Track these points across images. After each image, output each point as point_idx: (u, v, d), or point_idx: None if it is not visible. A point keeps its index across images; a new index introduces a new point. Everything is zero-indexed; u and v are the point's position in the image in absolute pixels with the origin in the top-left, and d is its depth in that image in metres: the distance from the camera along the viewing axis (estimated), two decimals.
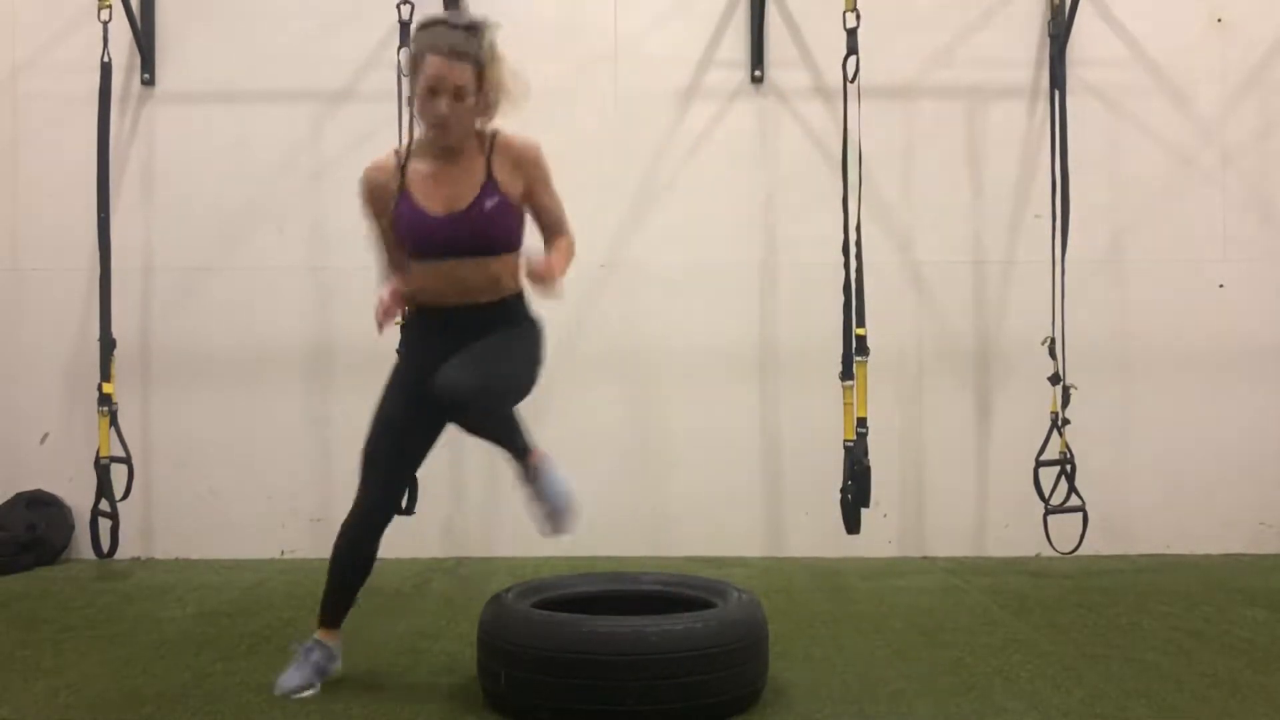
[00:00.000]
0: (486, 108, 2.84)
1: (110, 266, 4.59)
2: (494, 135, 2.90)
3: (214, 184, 4.94)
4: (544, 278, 2.78)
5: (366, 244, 4.76)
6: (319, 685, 2.97)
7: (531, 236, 2.99)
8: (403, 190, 2.89)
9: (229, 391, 4.91)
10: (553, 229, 2.99)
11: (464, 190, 2.85)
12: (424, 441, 3.04)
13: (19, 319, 4.96)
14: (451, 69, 2.75)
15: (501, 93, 2.85)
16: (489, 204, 2.84)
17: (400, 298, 2.91)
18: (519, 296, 2.95)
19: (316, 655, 3.02)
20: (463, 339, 2.85)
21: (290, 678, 2.96)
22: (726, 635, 2.76)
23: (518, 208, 2.91)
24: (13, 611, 3.95)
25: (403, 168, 2.91)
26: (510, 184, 2.88)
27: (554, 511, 2.87)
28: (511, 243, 2.91)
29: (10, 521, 4.72)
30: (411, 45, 2.88)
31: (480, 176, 2.86)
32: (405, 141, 2.95)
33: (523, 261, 2.85)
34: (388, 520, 3.06)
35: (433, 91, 2.77)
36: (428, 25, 2.85)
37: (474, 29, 2.81)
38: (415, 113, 2.88)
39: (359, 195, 2.98)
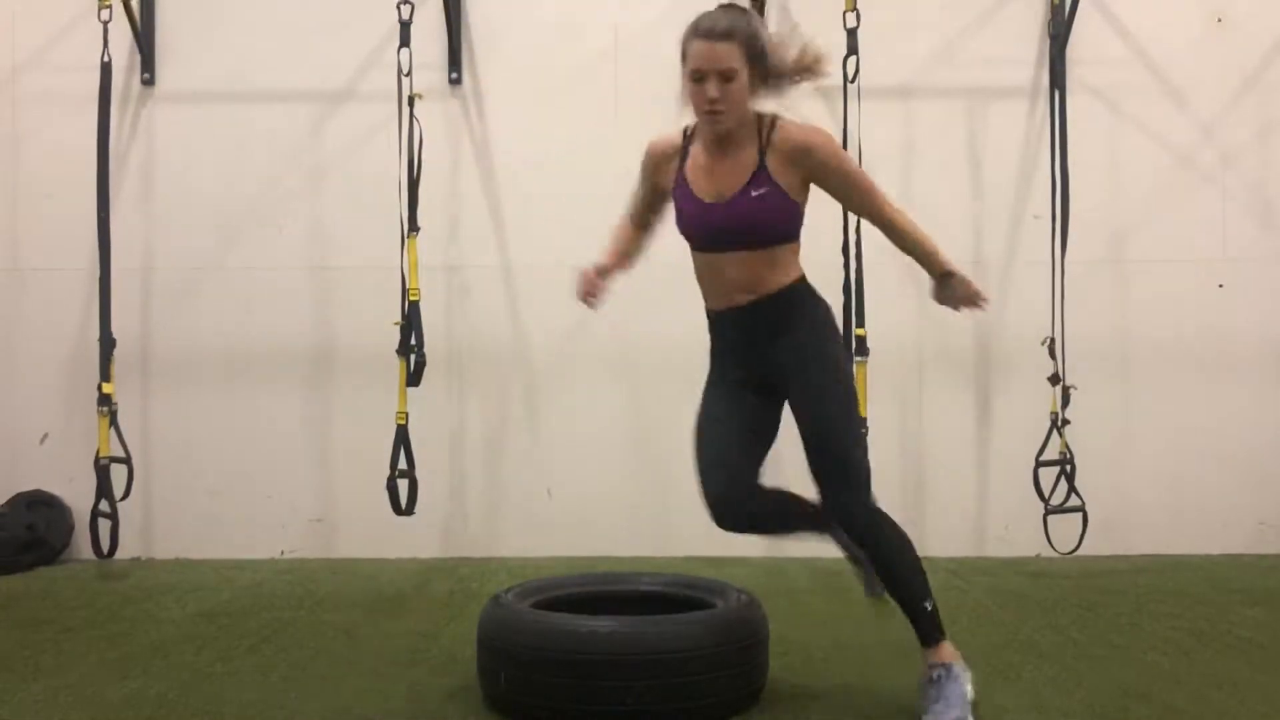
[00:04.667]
0: (763, 85, 2.71)
1: (110, 266, 4.59)
2: (773, 121, 2.74)
3: (214, 184, 4.94)
4: (971, 300, 2.84)
5: (366, 244, 4.82)
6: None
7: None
8: (680, 172, 2.81)
9: (229, 391, 4.91)
10: (877, 219, 2.85)
11: (734, 179, 2.71)
12: (755, 440, 2.89)
13: (19, 319, 4.96)
14: (715, 50, 2.63)
15: (784, 67, 2.73)
16: (755, 193, 2.69)
17: (603, 273, 2.90)
18: (792, 288, 2.78)
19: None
20: (750, 351, 2.79)
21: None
22: (726, 635, 2.76)
23: (792, 200, 2.72)
24: (13, 611, 3.95)
25: (685, 149, 2.82)
26: (785, 174, 2.70)
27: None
28: (778, 236, 2.74)
29: (10, 521, 4.72)
30: (681, 39, 2.75)
31: (752, 165, 2.71)
32: (692, 124, 2.83)
33: (947, 289, 2.88)
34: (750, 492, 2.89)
35: (699, 76, 2.66)
36: (695, 19, 2.73)
37: (742, 11, 2.72)
38: (684, 102, 2.74)
39: (641, 161, 2.92)
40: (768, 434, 2.88)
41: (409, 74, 4.43)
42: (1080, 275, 4.60)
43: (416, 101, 4.45)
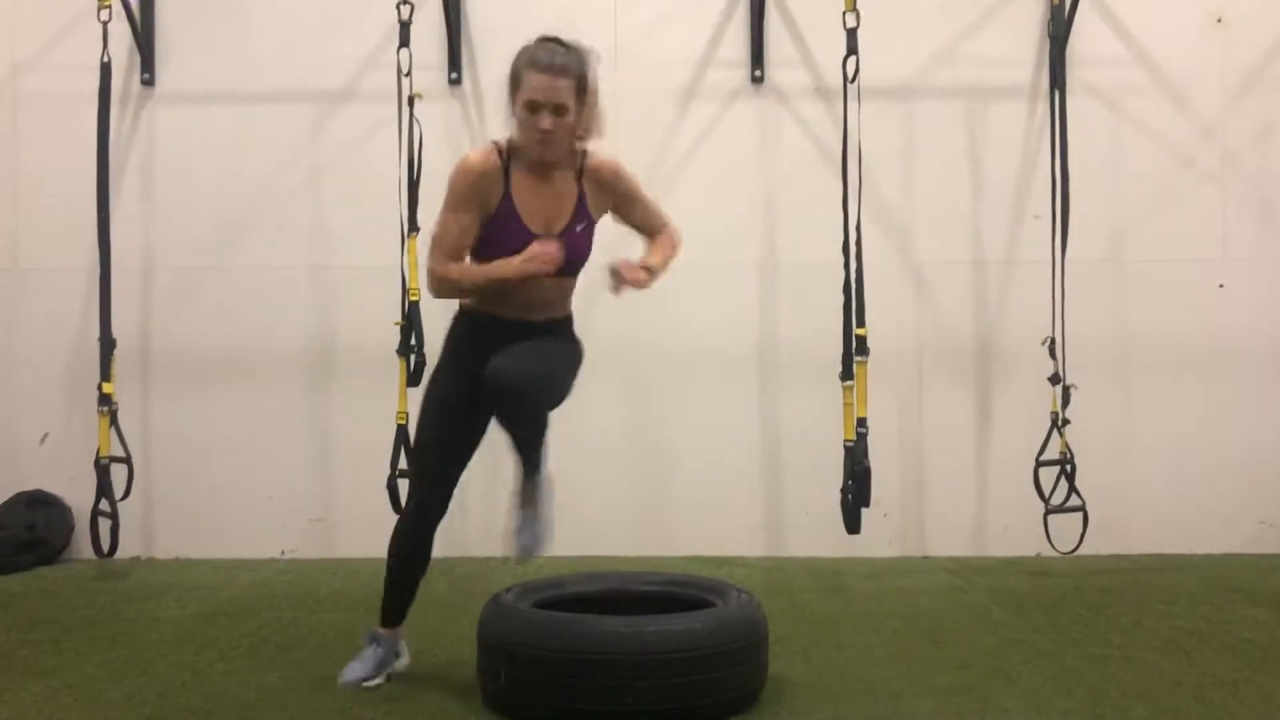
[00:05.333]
0: (585, 128, 2.88)
1: (110, 266, 4.59)
2: (584, 155, 2.94)
3: (214, 184, 4.94)
4: (632, 283, 2.85)
5: (366, 244, 4.82)
6: (382, 678, 3.04)
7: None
8: (506, 196, 2.86)
9: (229, 391, 4.91)
10: (654, 230, 3.07)
11: (560, 211, 2.89)
12: (470, 442, 3.03)
13: (19, 319, 4.96)
14: (554, 85, 2.78)
15: (595, 119, 2.90)
16: (579, 228, 2.90)
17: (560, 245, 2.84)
18: (569, 318, 3.03)
19: (381, 648, 3.08)
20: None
21: (354, 669, 3.04)
22: (726, 635, 2.76)
23: (593, 231, 2.97)
24: (13, 611, 3.95)
25: (506, 169, 2.87)
26: (597, 206, 2.95)
27: (523, 545, 2.97)
28: (583, 264, 2.95)
29: (10, 521, 4.72)
30: (513, 62, 2.85)
31: (574, 198, 2.91)
32: (504, 141, 2.90)
33: (615, 267, 2.86)
34: (439, 519, 3.05)
35: (534, 107, 2.78)
36: (532, 44, 2.86)
37: (576, 50, 2.85)
38: (515, 127, 2.85)
39: (457, 181, 2.87)
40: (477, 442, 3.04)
41: (409, 74, 4.43)
42: (1080, 275, 4.60)
43: (416, 101, 4.44)
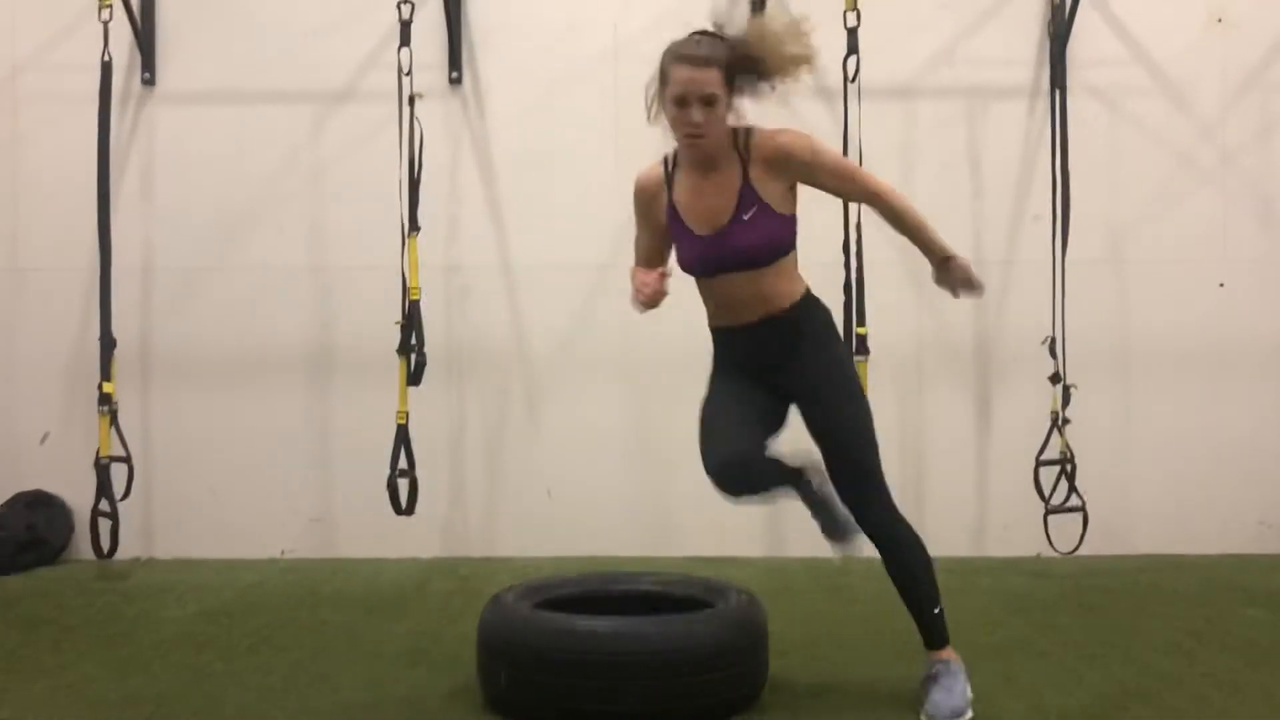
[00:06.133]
0: (740, 97, 2.74)
1: (110, 266, 4.58)
2: (748, 135, 2.76)
3: (214, 184, 4.93)
4: (969, 285, 2.80)
5: (366, 244, 4.82)
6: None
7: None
8: (671, 204, 2.82)
9: (229, 391, 4.91)
10: (870, 201, 2.90)
11: (723, 203, 2.74)
12: (759, 405, 2.86)
13: (19, 319, 4.96)
14: (697, 75, 2.67)
15: (766, 67, 2.73)
16: (747, 215, 2.73)
17: (663, 278, 2.73)
18: (798, 308, 2.83)
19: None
20: (762, 365, 2.81)
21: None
22: (726, 635, 2.76)
23: (780, 215, 2.78)
24: (13, 611, 3.95)
25: (669, 178, 2.83)
26: (770, 186, 2.76)
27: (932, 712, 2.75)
28: (777, 251, 2.79)
29: (10, 521, 4.72)
30: (659, 61, 2.76)
31: (736, 185, 2.75)
32: (672, 152, 2.85)
33: (954, 264, 2.81)
34: (754, 444, 2.82)
35: (681, 101, 2.68)
36: (679, 39, 2.77)
37: (721, 39, 2.74)
38: (667, 126, 2.76)
39: (633, 199, 2.90)
40: (775, 425, 2.90)
41: (409, 74, 4.43)
42: (1080, 275, 4.59)
43: (417, 101, 4.44)
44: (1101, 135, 4.84)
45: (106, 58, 4.58)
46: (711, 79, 2.68)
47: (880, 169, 4.64)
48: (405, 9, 4.45)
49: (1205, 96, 4.89)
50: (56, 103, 4.90)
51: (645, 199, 2.88)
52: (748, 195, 2.74)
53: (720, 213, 2.75)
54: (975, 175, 4.90)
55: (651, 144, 4.85)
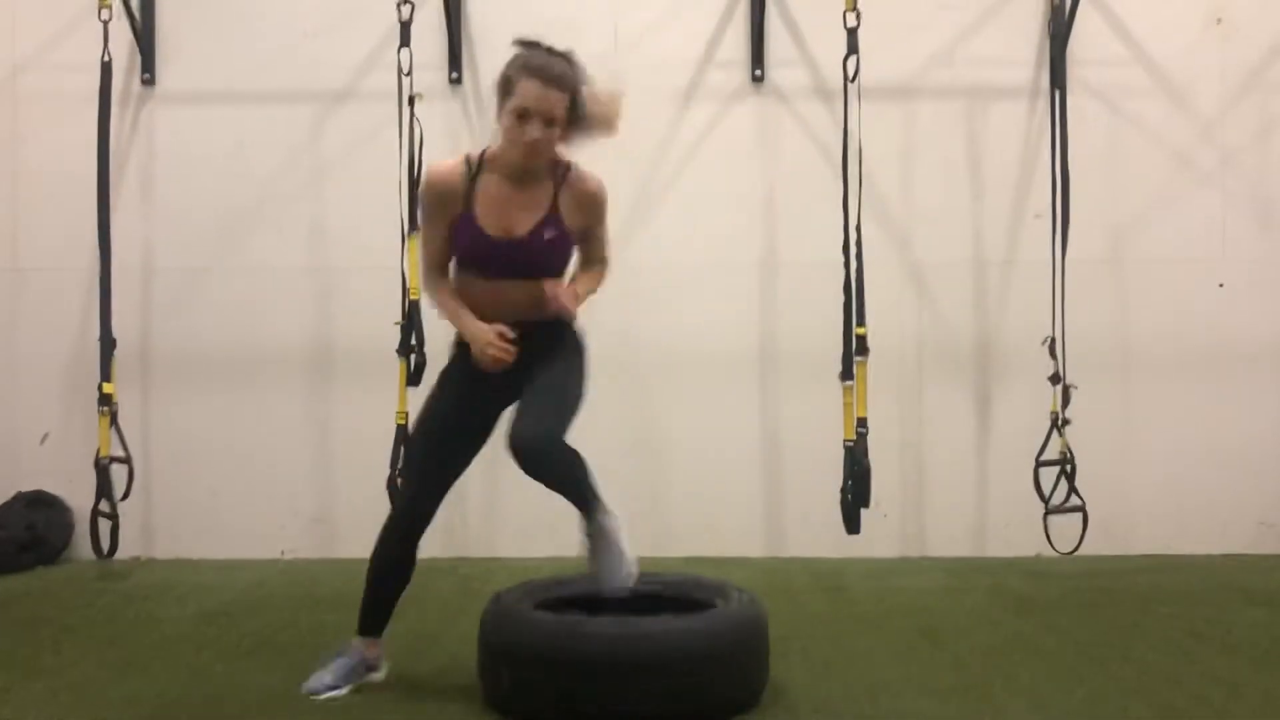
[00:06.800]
0: (569, 136, 2.85)
1: (110, 266, 4.59)
2: (567, 168, 2.91)
3: (214, 184, 4.94)
4: (559, 307, 2.84)
5: (366, 244, 4.82)
6: (346, 689, 2.97)
7: None
8: (467, 202, 2.86)
9: (229, 391, 4.91)
10: (593, 260, 3.04)
11: (526, 216, 2.85)
12: (467, 454, 3.02)
13: (19, 319, 4.96)
14: (546, 96, 2.74)
15: (595, 122, 2.86)
16: (548, 234, 2.86)
17: (503, 337, 2.83)
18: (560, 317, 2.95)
19: (348, 659, 3.03)
20: (509, 369, 2.84)
21: (317, 678, 2.98)
22: (726, 635, 2.76)
23: (572, 241, 2.94)
24: (13, 611, 3.95)
25: (473, 179, 2.87)
26: (571, 219, 2.90)
27: (605, 578, 2.80)
28: (563, 268, 2.95)
29: (10, 521, 4.72)
30: (506, 65, 2.82)
31: (545, 205, 2.87)
32: (479, 151, 2.91)
33: (547, 285, 2.86)
34: (425, 525, 3.02)
35: (523, 115, 2.75)
36: (527, 46, 2.83)
37: (572, 62, 2.82)
38: (501, 132, 2.83)
39: (421, 193, 2.94)
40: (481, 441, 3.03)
41: (409, 74, 4.43)
42: (1080, 275, 4.60)
43: (416, 101, 4.44)
44: (1101, 135, 4.84)
45: (106, 58, 4.58)
46: (558, 101, 2.77)
47: (880, 169, 4.70)
48: (405, 9, 4.45)
49: (1205, 97, 4.89)
50: (56, 103, 4.90)
51: (441, 195, 2.88)
52: (553, 218, 2.87)
53: (520, 224, 2.85)
54: (975, 175, 4.90)
55: (651, 144, 4.90)
